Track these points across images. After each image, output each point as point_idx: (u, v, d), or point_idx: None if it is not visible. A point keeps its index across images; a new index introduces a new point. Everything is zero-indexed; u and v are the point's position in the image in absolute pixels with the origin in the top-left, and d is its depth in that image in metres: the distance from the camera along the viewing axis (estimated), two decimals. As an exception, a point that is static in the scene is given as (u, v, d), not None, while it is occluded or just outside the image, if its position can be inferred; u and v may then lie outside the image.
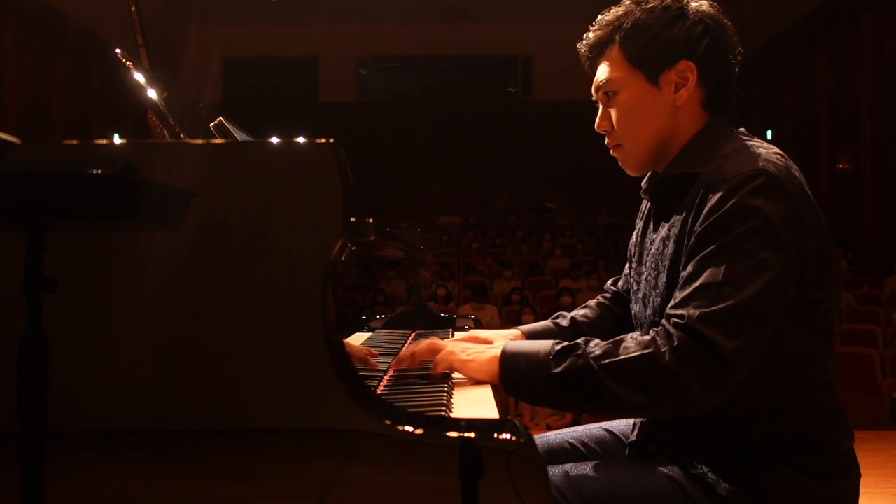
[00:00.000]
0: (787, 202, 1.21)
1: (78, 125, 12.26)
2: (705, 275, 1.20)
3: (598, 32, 1.41)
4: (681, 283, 1.24)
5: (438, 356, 1.43)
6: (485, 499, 0.97)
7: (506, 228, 13.57)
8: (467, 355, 1.37)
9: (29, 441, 0.82)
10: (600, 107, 1.44)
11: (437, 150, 17.36)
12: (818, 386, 1.30)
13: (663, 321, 1.22)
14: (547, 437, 1.60)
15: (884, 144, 10.79)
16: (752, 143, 1.33)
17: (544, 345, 1.27)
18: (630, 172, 1.47)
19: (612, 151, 1.45)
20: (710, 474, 1.27)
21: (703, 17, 1.35)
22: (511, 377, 1.29)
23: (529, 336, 1.62)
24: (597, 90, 1.43)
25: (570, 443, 1.57)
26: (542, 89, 17.60)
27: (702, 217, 1.24)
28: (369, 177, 15.76)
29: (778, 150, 1.31)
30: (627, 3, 1.39)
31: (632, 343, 1.21)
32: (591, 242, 12.79)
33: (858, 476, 1.32)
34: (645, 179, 1.51)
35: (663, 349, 1.17)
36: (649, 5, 1.36)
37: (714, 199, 1.23)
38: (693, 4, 1.37)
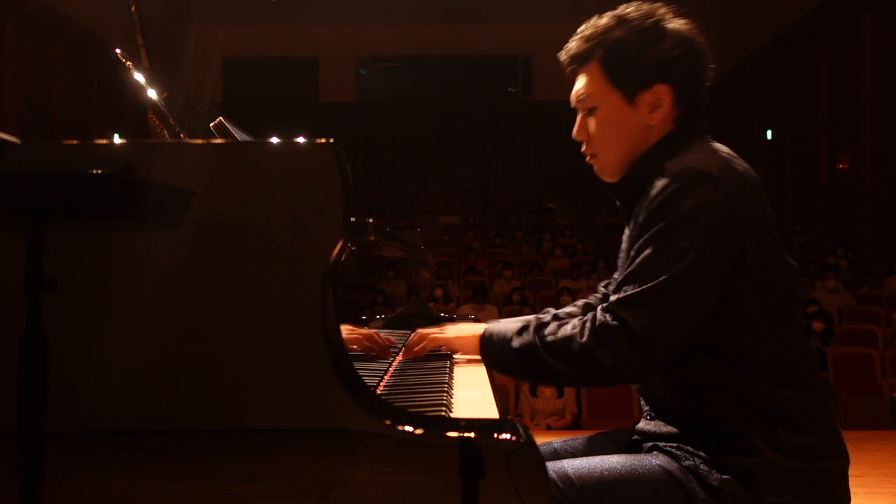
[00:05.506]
0: (716, 194, 1.28)
1: (78, 125, 12.24)
2: (636, 263, 1.31)
3: (581, 44, 1.46)
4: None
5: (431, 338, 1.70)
6: (485, 499, 0.98)
7: (506, 228, 13.55)
8: (456, 335, 1.64)
9: (29, 441, 0.82)
10: (579, 115, 1.50)
11: (437, 150, 17.34)
12: (788, 363, 1.34)
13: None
14: (544, 447, 1.61)
15: (884, 144, 10.79)
16: (704, 145, 1.38)
17: (515, 324, 1.43)
18: (607, 180, 1.53)
19: (587, 159, 1.52)
20: (701, 465, 1.32)
21: (681, 40, 1.41)
22: (487, 350, 1.49)
23: None
24: (576, 101, 1.49)
25: (569, 452, 1.59)
26: (542, 89, 17.58)
27: (642, 212, 1.34)
28: (369, 177, 15.74)
29: (728, 150, 1.39)
30: (609, 16, 1.44)
31: (569, 324, 1.35)
32: (591, 242, 12.78)
33: (847, 459, 1.36)
34: None
35: (586, 329, 1.31)
36: (631, 24, 1.41)
37: (651, 194, 1.33)
38: (671, 25, 1.42)
